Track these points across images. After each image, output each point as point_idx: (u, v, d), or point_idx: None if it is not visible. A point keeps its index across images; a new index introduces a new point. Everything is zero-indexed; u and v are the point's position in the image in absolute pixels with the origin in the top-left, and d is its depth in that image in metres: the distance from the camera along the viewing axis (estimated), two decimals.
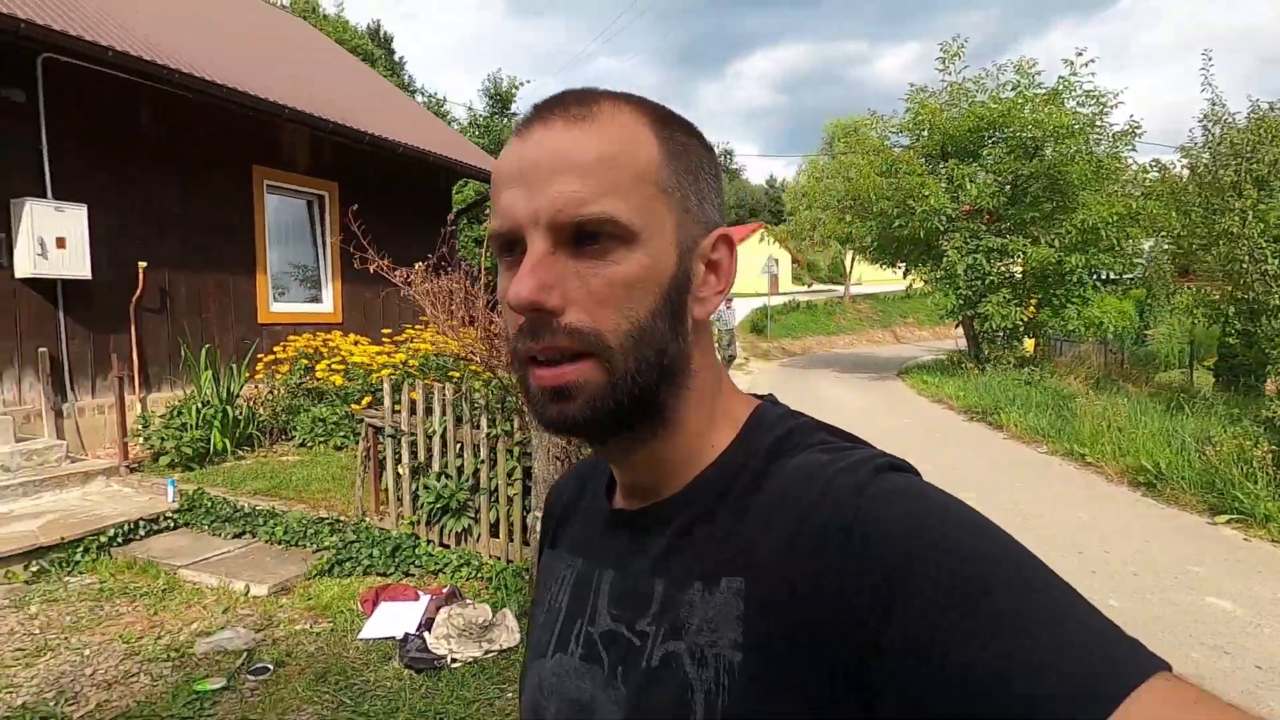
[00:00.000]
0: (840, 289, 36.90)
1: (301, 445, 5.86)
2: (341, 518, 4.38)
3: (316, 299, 8.02)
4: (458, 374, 4.74)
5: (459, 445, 3.99)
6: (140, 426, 5.41)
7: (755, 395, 0.57)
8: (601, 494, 0.60)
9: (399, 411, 4.14)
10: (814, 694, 0.41)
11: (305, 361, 6.35)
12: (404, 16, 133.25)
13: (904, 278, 14.47)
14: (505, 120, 14.43)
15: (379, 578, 3.86)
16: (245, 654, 3.07)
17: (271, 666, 2.95)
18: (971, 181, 11.45)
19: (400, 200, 8.90)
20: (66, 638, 3.19)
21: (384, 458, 4.27)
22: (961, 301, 12.17)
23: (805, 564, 0.43)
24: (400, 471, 4.17)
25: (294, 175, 7.54)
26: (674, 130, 0.50)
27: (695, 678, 0.45)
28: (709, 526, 0.49)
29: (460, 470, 3.97)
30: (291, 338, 6.98)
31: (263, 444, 5.89)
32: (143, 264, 6.00)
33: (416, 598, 3.47)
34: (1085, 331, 11.34)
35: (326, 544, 4.09)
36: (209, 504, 4.59)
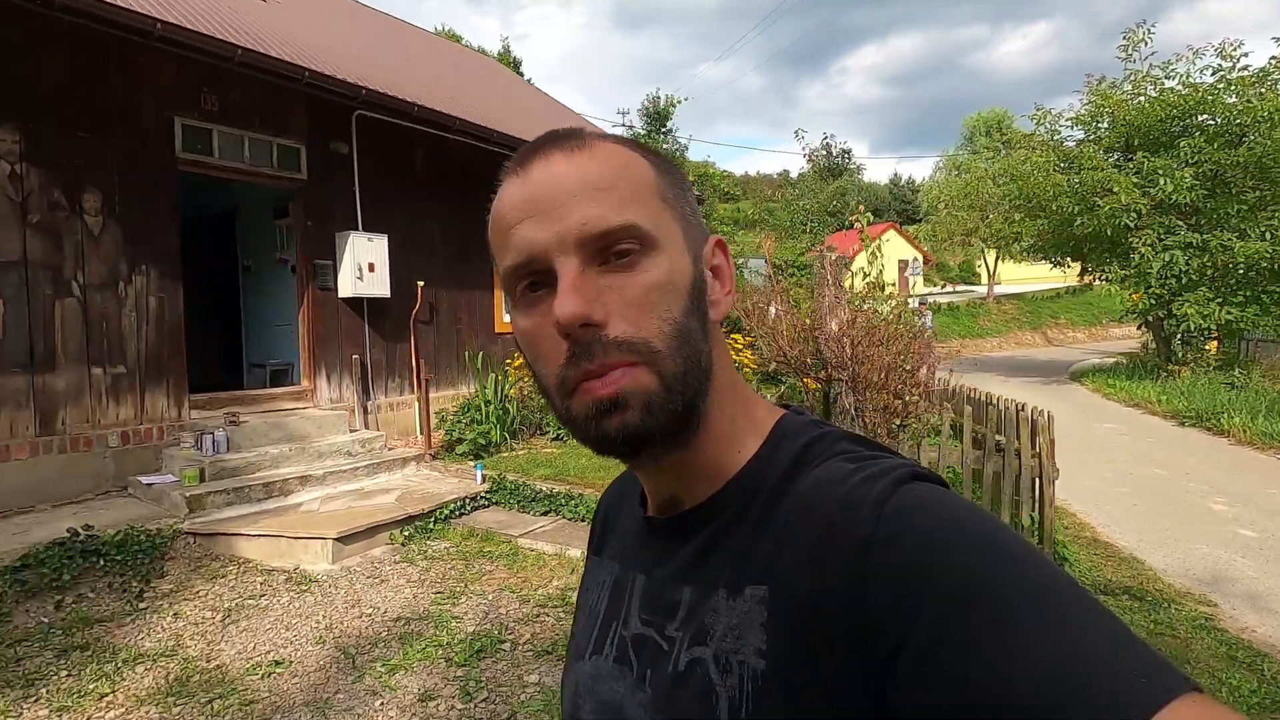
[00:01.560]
0: (975, 289, 35.13)
1: (556, 439, 6.64)
2: None
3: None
4: None
5: None
6: (439, 421, 6.38)
7: (781, 404, 0.58)
8: (637, 501, 0.62)
9: None
10: (836, 704, 0.41)
11: None
12: (518, 39, 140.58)
13: (1080, 277, 13.79)
14: (663, 137, 15.29)
15: None
16: None
17: None
18: (1166, 176, 10.81)
19: None
20: (465, 585, 3.97)
21: None
22: (1153, 301, 11.49)
23: (826, 575, 0.43)
24: None
25: None
26: (656, 156, 0.54)
27: (719, 683, 0.46)
28: (735, 535, 0.50)
29: None
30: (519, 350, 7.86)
31: (523, 437, 6.74)
32: (420, 283, 7.04)
33: None
34: None
35: None
36: (511, 486, 5.39)
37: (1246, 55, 11.11)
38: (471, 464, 5.97)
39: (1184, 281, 11.30)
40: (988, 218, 15.20)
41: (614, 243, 0.47)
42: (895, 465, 0.46)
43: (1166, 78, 12.20)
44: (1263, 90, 10.66)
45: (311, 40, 6.84)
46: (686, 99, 16.60)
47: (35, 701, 2.81)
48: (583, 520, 4.90)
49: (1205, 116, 11.43)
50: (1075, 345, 24.68)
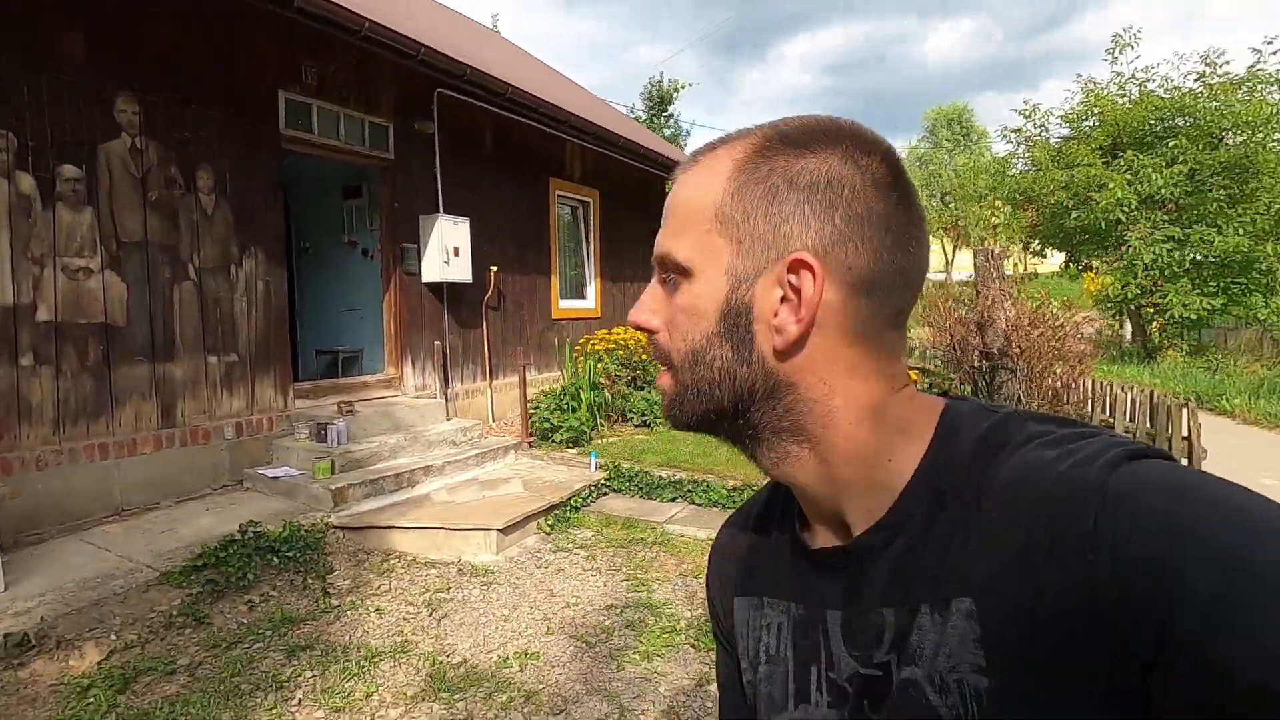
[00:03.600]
0: (930, 276, 36.77)
1: (641, 425, 6.67)
2: (751, 485, 5.13)
3: (582, 296, 8.87)
4: None
5: None
6: (533, 409, 6.29)
7: (939, 394, 0.55)
8: (791, 531, 0.59)
9: None
10: (1087, 713, 0.38)
11: (621, 353, 7.17)
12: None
13: (1065, 267, 14.62)
14: (665, 121, 15.23)
15: None
16: None
17: None
18: (1156, 172, 11.59)
19: (632, 204, 9.73)
20: (645, 572, 3.99)
21: None
22: (1139, 291, 12.33)
23: (1043, 578, 0.39)
24: None
25: (571, 184, 8.38)
26: (770, 157, 0.51)
27: (939, 704, 0.44)
28: (927, 545, 0.47)
29: None
30: (587, 337, 7.83)
31: (609, 423, 6.74)
32: (494, 268, 6.89)
33: None
34: (1278, 320, 11.42)
35: None
36: (628, 474, 5.40)
37: (1228, 64, 11.98)
38: (571, 452, 5.95)
39: (1166, 273, 12.16)
40: (981, 208, 15.92)
41: (663, 268, 0.54)
42: (1107, 444, 0.42)
43: (1148, 80, 13.02)
44: (1244, 96, 11.50)
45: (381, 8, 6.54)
46: (692, 84, 16.65)
47: (300, 704, 2.72)
48: (715, 506, 4.97)
49: (1184, 119, 12.26)
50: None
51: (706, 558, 0.73)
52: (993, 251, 4.12)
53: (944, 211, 27.50)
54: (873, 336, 0.50)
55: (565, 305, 8.32)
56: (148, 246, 4.22)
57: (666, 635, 3.25)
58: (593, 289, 8.93)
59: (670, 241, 0.53)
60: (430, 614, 3.45)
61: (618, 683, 2.88)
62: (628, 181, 9.52)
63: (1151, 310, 12.66)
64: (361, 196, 6.47)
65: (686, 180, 0.54)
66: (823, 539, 0.55)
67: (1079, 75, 13.65)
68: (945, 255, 32.52)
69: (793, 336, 0.49)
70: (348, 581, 3.76)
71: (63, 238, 3.84)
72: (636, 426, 6.70)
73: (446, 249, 6.12)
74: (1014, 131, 15.05)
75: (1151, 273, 12.17)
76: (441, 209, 6.31)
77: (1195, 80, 12.19)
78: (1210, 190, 12.07)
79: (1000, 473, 0.44)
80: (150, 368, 4.24)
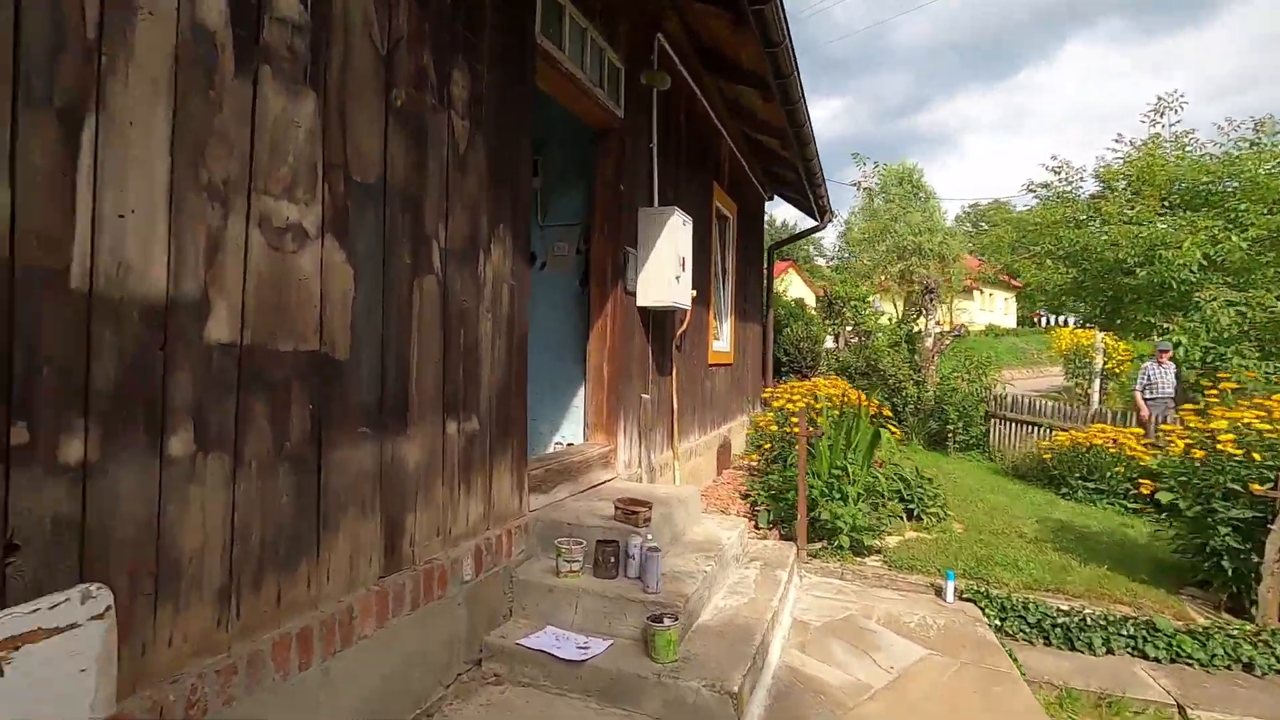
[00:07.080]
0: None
1: (908, 517, 4.84)
2: (1197, 625, 3.46)
3: (717, 336, 6.98)
4: None
5: None
6: (814, 502, 4.28)
7: None
8: None
9: None
10: None
11: (835, 411, 5.32)
12: None
13: (1107, 329, 14.28)
14: None
15: None
16: None
17: None
18: (1235, 235, 11.45)
19: (751, 228, 8.11)
20: None
21: None
22: (1202, 351, 12.03)
23: None
24: None
25: (722, 195, 6.59)
26: None
27: None
28: None
29: None
30: (771, 390, 5.97)
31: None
32: (693, 292, 4.94)
33: None
34: None
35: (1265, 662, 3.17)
36: (1006, 604, 3.57)
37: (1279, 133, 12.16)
38: (872, 562, 4.05)
39: (1224, 336, 11.93)
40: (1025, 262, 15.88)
41: None
42: None
43: (1185, 145, 13.11)
44: None
45: None
46: None
47: None
48: (1186, 660, 3.24)
49: (1233, 182, 12.31)
50: (1026, 380, 26.46)
51: None
52: None
53: (896, 266, 27.70)
54: None
55: (716, 347, 6.43)
56: (385, 198, 2.05)
57: None
58: (727, 328, 7.08)
59: None
60: None
61: None
62: (749, 201, 7.88)
63: (1196, 370, 12.40)
64: (537, 173, 4.37)
65: None
66: None
67: (1119, 134, 13.65)
68: (895, 310, 33.12)
69: None
70: None
71: (264, 149, 1.64)
72: (899, 517, 4.87)
73: (681, 259, 4.15)
74: (1042, 186, 14.88)
75: (1213, 335, 11.91)
76: (656, 201, 4.36)
77: (1249, 146, 12.30)
78: (1265, 254, 12.08)
79: None
80: (377, 447, 2.03)
